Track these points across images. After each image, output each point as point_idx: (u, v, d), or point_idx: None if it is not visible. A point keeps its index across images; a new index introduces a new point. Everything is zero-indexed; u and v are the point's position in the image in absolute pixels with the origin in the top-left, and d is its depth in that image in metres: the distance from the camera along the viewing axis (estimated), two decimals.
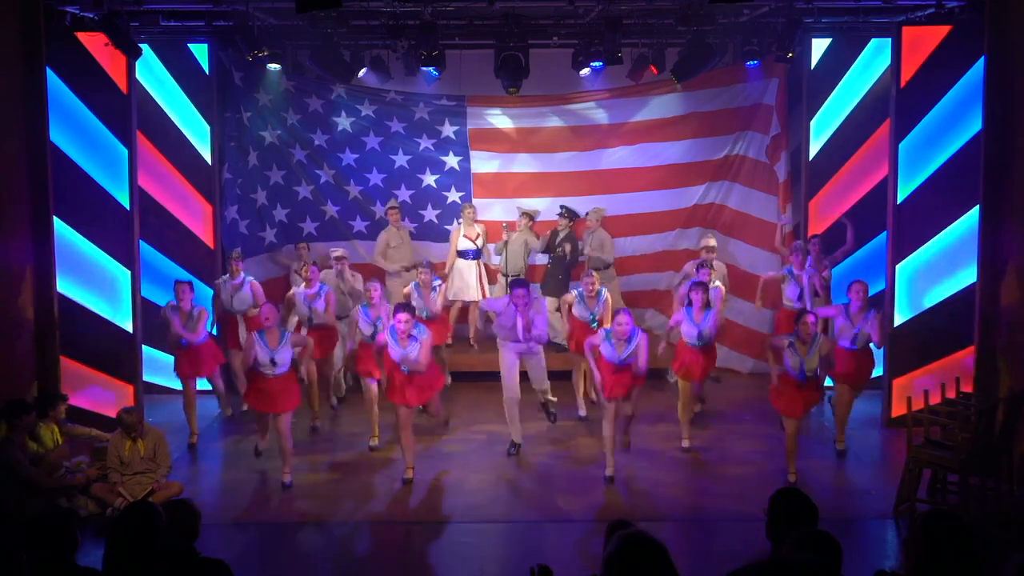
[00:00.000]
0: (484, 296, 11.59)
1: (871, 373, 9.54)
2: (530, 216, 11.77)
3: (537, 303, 9.29)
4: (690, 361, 9.32)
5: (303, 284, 10.07)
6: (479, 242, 11.70)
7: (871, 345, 9.27)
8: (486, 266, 11.86)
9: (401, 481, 8.60)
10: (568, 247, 11.44)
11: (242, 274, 10.39)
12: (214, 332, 10.22)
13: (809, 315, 8.53)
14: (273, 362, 8.41)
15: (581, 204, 11.93)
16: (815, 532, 3.81)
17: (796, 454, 8.63)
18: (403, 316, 8.37)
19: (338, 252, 10.78)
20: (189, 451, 9.57)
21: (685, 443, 9.47)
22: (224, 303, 10.39)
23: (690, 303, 9.30)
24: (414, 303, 9.83)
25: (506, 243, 11.48)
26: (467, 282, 11.63)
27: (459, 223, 11.87)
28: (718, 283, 10.27)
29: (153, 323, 10.01)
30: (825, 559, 3.64)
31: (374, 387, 9.39)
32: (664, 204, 12.19)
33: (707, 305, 9.29)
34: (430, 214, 12.33)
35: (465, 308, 11.78)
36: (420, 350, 8.37)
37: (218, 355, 9.97)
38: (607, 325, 9.27)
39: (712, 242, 11.09)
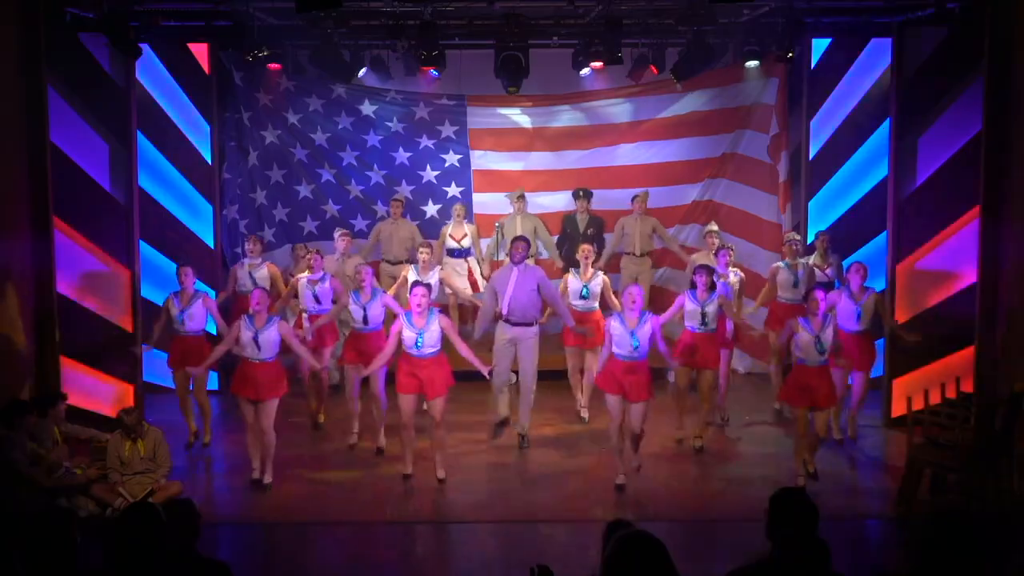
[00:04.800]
0: (474, 292, 11.67)
1: (874, 357, 9.42)
2: (522, 197, 11.77)
3: (538, 272, 9.34)
4: (691, 346, 9.08)
5: (307, 271, 10.03)
6: (464, 242, 11.72)
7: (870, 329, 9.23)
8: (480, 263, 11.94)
9: (401, 477, 8.58)
10: (593, 231, 11.60)
11: (260, 257, 10.41)
12: (212, 330, 10.00)
13: (817, 291, 8.37)
14: (256, 343, 8.33)
15: None
16: (804, 536, 3.81)
17: (804, 452, 8.36)
18: (420, 290, 8.28)
19: (340, 231, 10.89)
20: (187, 450, 9.49)
21: (679, 434, 9.43)
22: (241, 284, 10.31)
23: (693, 285, 9.16)
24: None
25: (500, 229, 11.55)
26: (457, 278, 11.65)
27: (450, 222, 11.91)
28: (733, 275, 9.90)
29: (153, 323, 9.97)
30: (815, 561, 3.65)
31: (356, 380, 9.29)
32: (663, 201, 12.20)
33: (711, 288, 9.11)
34: (431, 209, 12.37)
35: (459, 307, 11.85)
36: (441, 333, 8.30)
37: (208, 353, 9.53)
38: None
39: (714, 227, 10.97)
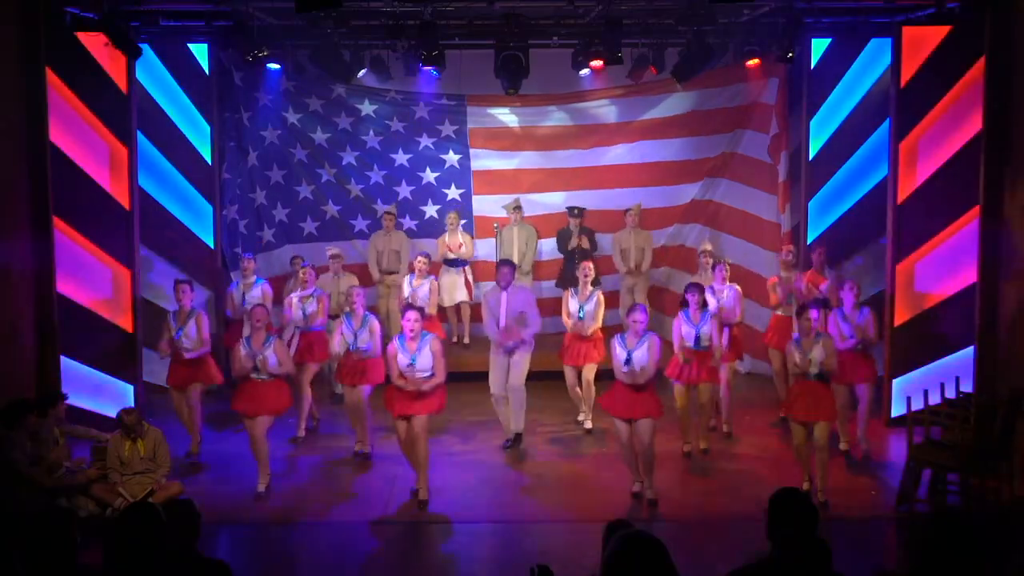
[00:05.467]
0: (470, 297, 11.82)
1: (872, 372, 9.31)
2: (518, 207, 11.84)
3: (526, 294, 9.41)
4: (688, 367, 9.01)
5: (299, 287, 10.08)
6: (462, 251, 11.79)
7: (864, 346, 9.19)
8: (475, 265, 12.06)
9: (400, 477, 8.56)
10: (584, 241, 11.76)
11: (255, 276, 10.44)
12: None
13: (812, 310, 8.32)
14: (256, 365, 8.35)
15: (579, 200, 12.18)
16: (804, 536, 3.81)
17: (810, 463, 8.20)
18: (412, 315, 8.19)
19: (333, 251, 10.89)
20: (187, 457, 9.40)
21: (686, 447, 9.34)
22: (236, 302, 10.32)
23: (685, 304, 9.14)
24: (406, 293, 10.28)
25: (499, 235, 11.58)
26: (454, 286, 11.76)
27: (446, 232, 11.92)
28: (727, 291, 9.89)
29: (153, 323, 9.99)
30: (815, 561, 3.65)
31: (355, 392, 9.20)
32: (662, 200, 12.26)
33: (704, 306, 9.10)
34: (431, 210, 12.40)
35: (455, 308, 11.98)
36: (432, 358, 8.11)
37: (211, 374, 9.48)
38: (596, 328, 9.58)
39: (708, 246, 10.96)
